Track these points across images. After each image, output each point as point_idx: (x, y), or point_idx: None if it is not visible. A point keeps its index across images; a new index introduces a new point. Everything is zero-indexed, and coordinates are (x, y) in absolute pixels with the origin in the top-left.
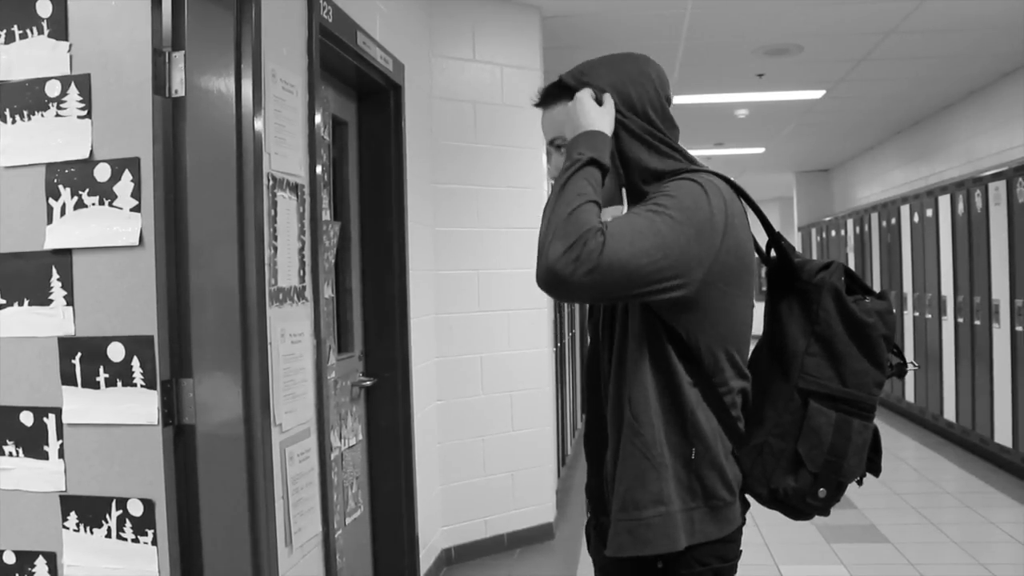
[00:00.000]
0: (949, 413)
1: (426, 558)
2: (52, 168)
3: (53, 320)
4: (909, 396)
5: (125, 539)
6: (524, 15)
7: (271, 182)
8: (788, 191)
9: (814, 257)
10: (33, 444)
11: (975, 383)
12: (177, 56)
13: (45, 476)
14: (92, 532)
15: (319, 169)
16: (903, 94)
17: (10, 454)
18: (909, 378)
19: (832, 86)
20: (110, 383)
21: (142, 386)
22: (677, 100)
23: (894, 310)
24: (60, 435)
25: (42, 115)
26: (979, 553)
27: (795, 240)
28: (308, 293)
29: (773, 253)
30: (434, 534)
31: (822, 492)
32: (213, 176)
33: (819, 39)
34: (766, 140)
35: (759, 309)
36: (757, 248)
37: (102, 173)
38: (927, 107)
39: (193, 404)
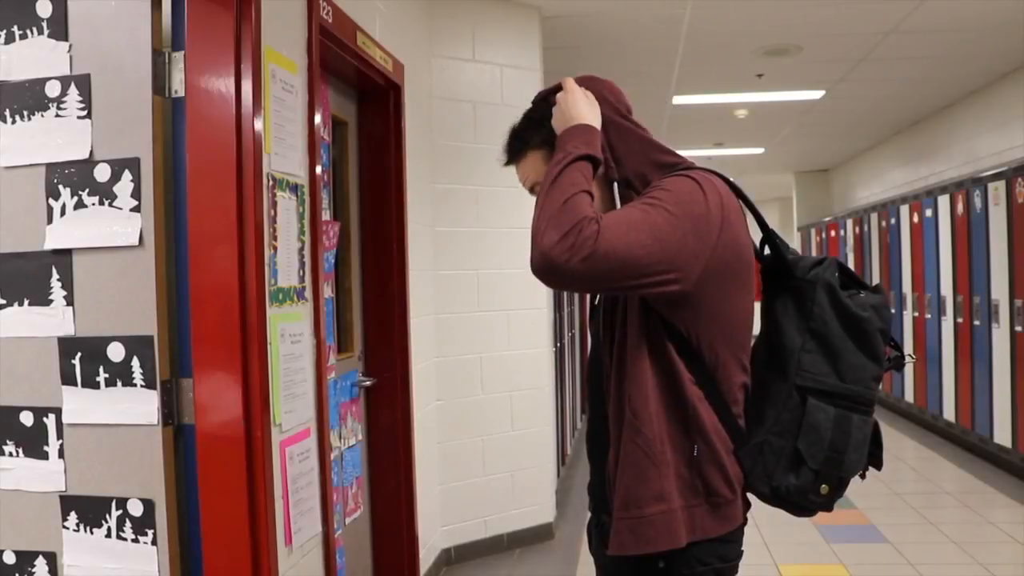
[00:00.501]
0: (948, 413)
1: (426, 558)
2: (52, 168)
3: (53, 320)
4: (909, 396)
5: (125, 539)
6: (524, 15)
7: (271, 182)
8: (788, 191)
9: None
10: (33, 444)
11: (974, 383)
12: (177, 56)
13: (45, 476)
14: (92, 532)
15: (319, 169)
16: (902, 94)
17: (10, 454)
18: (909, 378)
19: (832, 86)
20: (110, 383)
21: (142, 386)
22: (676, 100)
23: (889, 303)
24: (60, 435)
25: (42, 115)
26: (978, 553)
27: (795, 240)
28: (308, 293)
29: (767, 251)
30: (434, 534)
31: (824, 488)
32: (213, 176)
33: (819, 39)
34: (766, 140)
35: (756, 307)
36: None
37: (102, 173)
38: (926, 107)
39: (193, 404)
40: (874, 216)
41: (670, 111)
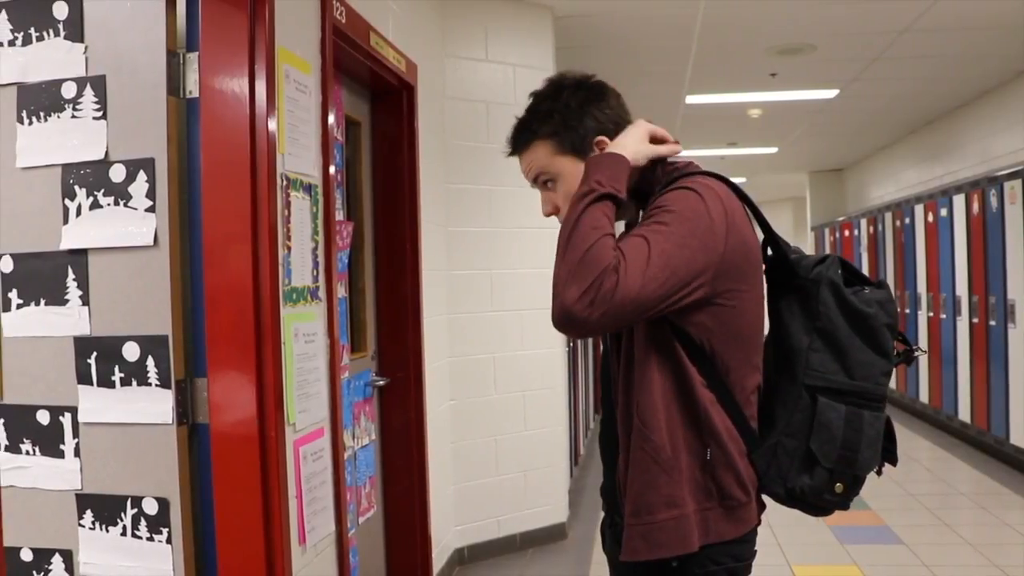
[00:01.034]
0: (964, 414)
1: (439, 557)
2: (68, 169)
3: (69, 320)
4: (924, 397)
5: (140, 537)
6: (536, 15)
7: (285, 182)
8: (801, 191)
9: None
10: (49, 443)
11: (990, 384)
12: (191, 57)
13: (61, 474)
14: (107, 530)
15: (332, 169)
16: (917, 93)
17: (27, 452)
18: (923, 379)
19: (845, 85)
20: (125, 382)
21: (157, 385)
22: (690, 100)
23: (893, 298)
24: (76, 434)
25: (58, 116)
26: (994, 555)
27: (808, 240)
28: (322, 293)
29: (770, 251)
30: (447, 533)
31: (839, 487)
32: (227, 176)
33: (832, 38)
34: (779, 140)
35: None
36: None
37: (117, 174)
38: (941, 106)
39: (207, 403)
40: (888, 216)
41: (683, 111)
